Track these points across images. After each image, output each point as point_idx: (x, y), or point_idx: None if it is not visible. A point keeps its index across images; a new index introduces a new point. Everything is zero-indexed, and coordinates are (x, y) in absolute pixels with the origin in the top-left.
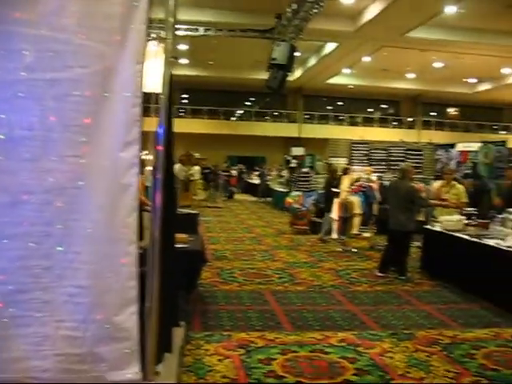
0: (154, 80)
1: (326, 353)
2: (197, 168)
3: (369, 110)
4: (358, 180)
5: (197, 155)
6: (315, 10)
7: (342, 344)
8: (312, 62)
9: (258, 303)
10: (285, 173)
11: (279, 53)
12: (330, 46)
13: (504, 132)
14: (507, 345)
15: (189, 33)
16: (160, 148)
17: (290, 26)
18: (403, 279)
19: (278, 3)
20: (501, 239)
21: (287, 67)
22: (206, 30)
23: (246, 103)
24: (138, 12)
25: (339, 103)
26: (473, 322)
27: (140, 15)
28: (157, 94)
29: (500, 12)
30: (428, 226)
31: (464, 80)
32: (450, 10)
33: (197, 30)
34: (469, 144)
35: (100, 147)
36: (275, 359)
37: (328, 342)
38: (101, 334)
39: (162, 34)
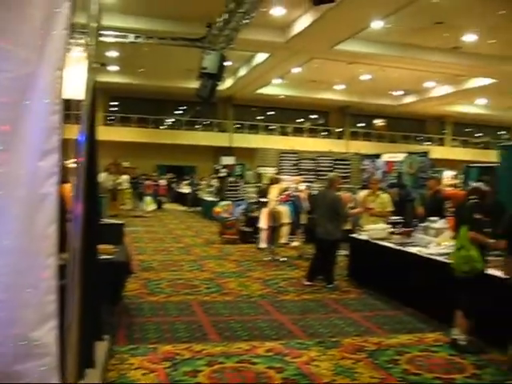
0: (76, 86)
1: (254, 363)
2: (125, 177)
3: (299, 120)
4: (286, 190)
5: (126, 164)
6: (246, 21)
7: (270, 354)
8: (243, 71)
9: (185, 314)
10: (214, 182)
11: (209, 62)
12: (260, 57)
13: (428, 143)
14: (429, 349)
15: (118, 39)
16: (81, 156)
17: (220, 35)
18: (331, 287)
19: (208, 12)
20: (423, 247)
21: (217, 76)
22: (136, 37)
23: (177, 112)
24: (59, 17)
25: (270, 113)
26: (397, 328)
27: (61, 20)
28: (79, 101)
29: (426, 28)
30: (354, 235)
31: (390, 92)
32: (377, 24)
33: (126, 36)
34: (394, 154)
35: (18, 155)
36: (201, 371)
37: (255, 352)
38: (18, 351)
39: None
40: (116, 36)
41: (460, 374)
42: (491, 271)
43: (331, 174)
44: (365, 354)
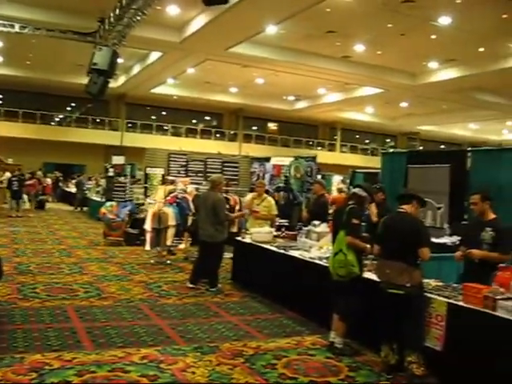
0: None
1: (126, 371)
2: (8, 175)
3: (193, 121)
4: (173, 191)
5: (10, 161)
6: (138, 18)
7: (144, 361)
8: (136, 69)
9: (58, 321)
10: (102, 182)
11: (100, 58)
12: (154, 55)
13: (319, 148)
14: (307, 352)
15: (3, 29)
16: None
17: (112, 31)
18: (213, 291)
19: (101, 7)
20: (305, 250)
21: (108, 73)
22: (22, 27)
23: (67, 108)
24: None
25: (163, 113)
26: (277, 332)
27: None
28: None
29: (319, 36)
30: (239, 238)
31: (283, 97)
32: (271, 29)
33: (12, 26)
34: (282, 158)
35: None
36: (70, 381)
37: (130, 359)
38: None
39: None
40: (0, 25)
41: (335, 377)
42: (367, 275)
43: (214, 175)
44: (242, 359)
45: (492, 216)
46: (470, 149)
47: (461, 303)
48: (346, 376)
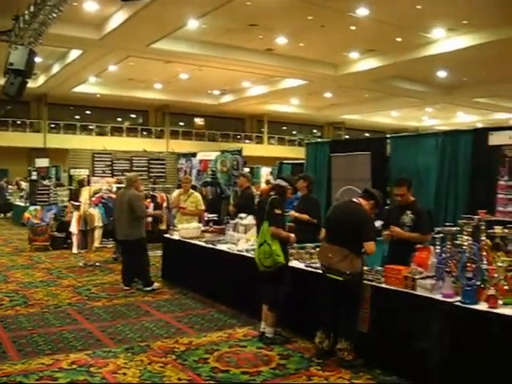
0: None
1: (55, 379)
2: None
3: (118, 119)
4: (98, 192)
5: None
6: (55, 15)
7: (74, 366)
8: (56, 68)
9: None
10: (25, 185)
11: (17, 57)
12: (74, 53)
13: (247, 141)
14: (239, 344)
15: None
16: None
17: (28, 29)
18: (149, 290)
19: (15, 4)
20: (233, 244)
21: (26, 73)
22: None
23: None
24: None
25: (87, 112)
26: (208, 327)
27: None
28: None
29: (241, 30)
30: (167, 235)
31: (209, 92)
32: (193, 24)
33: None
34: (208, 153)
35: None
36: None
37: (58, 366)
38: None
39: None
40: None
41: (267, 366)
42: (293, 264)
43: (130, 174)
44: (174, 356)
45: (412, 199)
46: (388, 136)
47: (383, 285)
48: (277, 364)
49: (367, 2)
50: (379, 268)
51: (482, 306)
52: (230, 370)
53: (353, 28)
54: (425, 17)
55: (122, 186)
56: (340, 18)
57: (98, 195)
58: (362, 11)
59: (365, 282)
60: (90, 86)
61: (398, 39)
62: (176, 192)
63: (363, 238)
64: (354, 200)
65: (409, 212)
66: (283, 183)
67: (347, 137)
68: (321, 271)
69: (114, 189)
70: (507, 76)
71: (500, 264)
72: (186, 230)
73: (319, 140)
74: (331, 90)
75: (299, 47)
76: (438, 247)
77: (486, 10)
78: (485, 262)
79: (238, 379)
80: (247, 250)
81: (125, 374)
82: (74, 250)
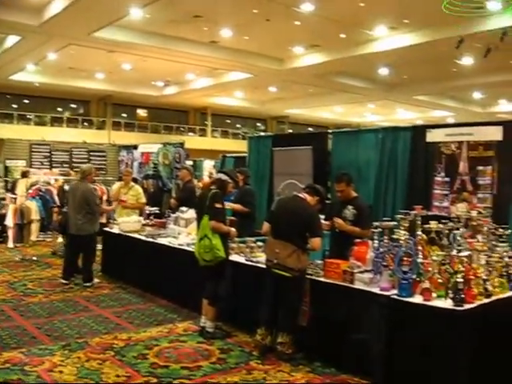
0: None
1: None
2: None
3: (58, 109)
4: (34, 184)
5: None
6: None
7: (7, 365)
8: None
9: None
10: None
11: None
12: (12, 40)
13: (191, 134)
14: (179, 339)
15: None
16: None
17: None
18: (88, 285)
19: None
20: (174, 237)
21: None
22: None
23: None
24: None
25: (25, 101)
26: (148, 322)
27: None
28: None
29: (185, 21)
30: (107, 228)
31: (152, 83)
32: (136, 13)
33: None
34: (150, 145)
35: None
36: None
37: None
38: None
39: None
40: None
41: (206, 361)
42: (234, 258)
43: (84, 165)
44: (113, 352)
45: (353, 195)
46: (330, 131)
47: (322, 279)
48: (217, 359)
49: None
50: (319, 262)
51: (417, 299)
52: (169, 365)
53: (297, 23)
54: (368, 14)
55: (66, 177)
56: (285, 13)
57: (34, 187)
58: (307, 6)
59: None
60: (29, 74)
61: (342, 35)
62: (116, 185)
63: (310, 234)
64: (300, 195)
65: (350, 207)
66: (224, 177)
67: (291, 131)
68: (264, 266)
69: (53, 181)
70: (445, 75)
71: (435, 258)
72: (126, 223)
73: (262, 134)
74: (276, 84)
75: (244, 40)
76: (376, 242)
77: (425, 10)
78: (420, 256)
79: (178, 374)
80: (188, 244)
81: (61, 371)
82: (10, 244)
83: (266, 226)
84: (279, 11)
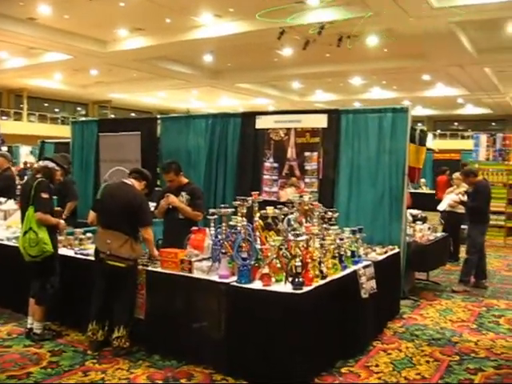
0: None
1: None
2: None
3: None
4: None
5: None
6: None
7: None
8: None
9: None
10: None
11: None
12: None
13: (5, 117)
14: (3, 344)
15: None
16: None
17: None
18: None
19: None
20: None
21: None
22: None
23: None
24: None
25: None
26: None
27: None
28: None
29: None
30: None
31: None
32: None
33: None
34: None
35: None
36: None
37: None
38: None
39: None
40: None
41: (37, 366)
42: (62, 252)
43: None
44: None
45: (185, 181)
46: (159, 116)
47: (159, 269)
48: (48, 362)
49: None
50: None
51: (257, 285)
52: None
53: (122, 4)
54: (194, 1)
55: None
56: None
57: None
58: None
59: (140, 267)
60: None
61: (168, 20)
62: None
63: (139, 224)
64: (126, 181)
65: (184, 193)
66: (51, 164)
67: (113, 116)
68: (94, 258)
69: None
70: (267, 64)
71: (273, 243)
72: None
73: (86, 118)
74: (98, 67)
75: (64, 19)
76: (213, 229)
77: (250, 0)
78: (258, 242)
79: None
80: (8, 239)
81: None
82: None
83: (92, 215)
84: None
